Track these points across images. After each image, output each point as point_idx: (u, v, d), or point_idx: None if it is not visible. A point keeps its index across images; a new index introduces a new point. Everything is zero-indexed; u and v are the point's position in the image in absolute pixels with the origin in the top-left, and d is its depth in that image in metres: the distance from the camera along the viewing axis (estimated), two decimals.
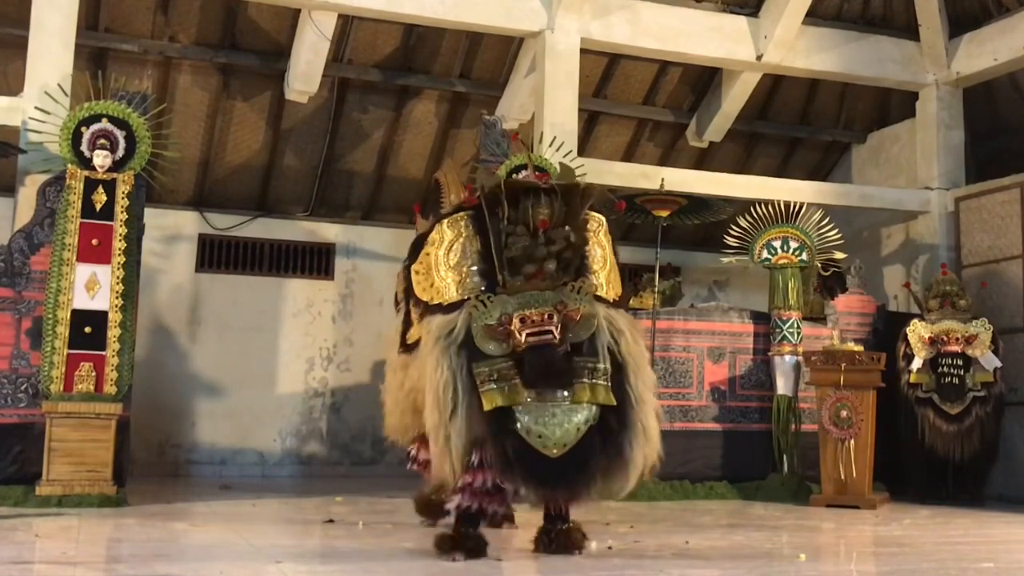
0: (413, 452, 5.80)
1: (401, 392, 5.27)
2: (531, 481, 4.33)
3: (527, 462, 4.30)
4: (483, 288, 4.50)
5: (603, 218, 4.81)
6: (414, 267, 4.76)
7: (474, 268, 4.55)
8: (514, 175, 7.73)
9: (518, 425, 4.32)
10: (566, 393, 4.35)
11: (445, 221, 4.70)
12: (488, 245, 4.53)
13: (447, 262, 4.61)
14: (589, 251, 4.66)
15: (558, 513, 4.67)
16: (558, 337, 4.35)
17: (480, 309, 4.43)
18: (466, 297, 4.48)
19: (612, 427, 4.38)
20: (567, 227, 4.55)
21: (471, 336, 4.39)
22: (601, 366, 4.40)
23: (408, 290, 4.95)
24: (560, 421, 4.34)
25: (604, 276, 4.66)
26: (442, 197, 6.19)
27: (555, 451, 4.31)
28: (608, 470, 4.40)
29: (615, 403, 4.37)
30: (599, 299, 4.53)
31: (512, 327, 4.36)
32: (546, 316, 4.36)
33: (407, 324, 5.22)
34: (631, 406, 4.43)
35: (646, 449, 4.44)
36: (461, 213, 4.68)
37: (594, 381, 4.39)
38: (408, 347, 5.15)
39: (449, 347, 4.40)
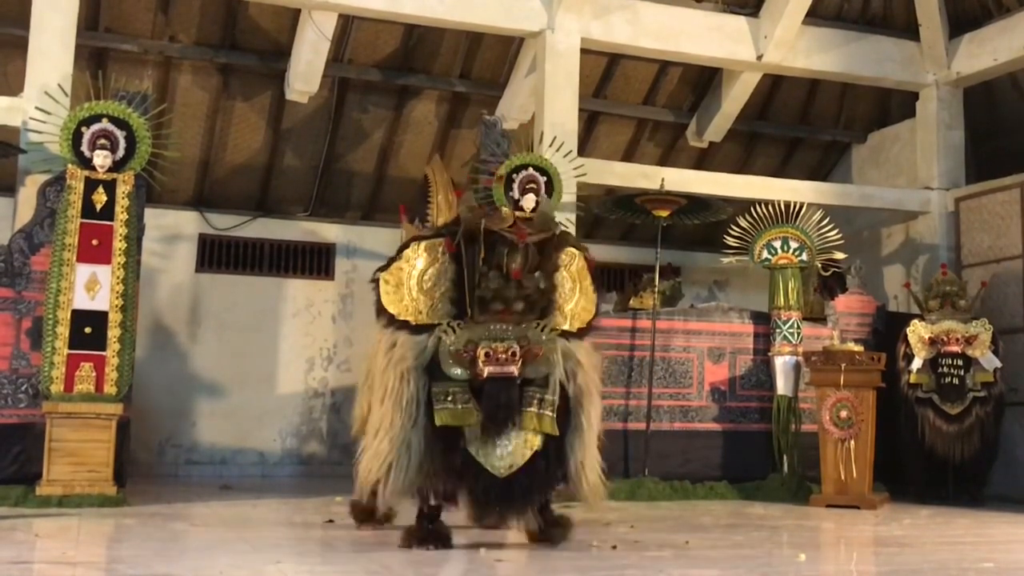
0: None
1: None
2: (477, 496, 4.67)
3: (475, 479, 4.66)
4: (453, 314, 4.80)
5: (577, 252, 5.09)
6: (384, 275, 4.94)
7: (446, 296, 4.84)
8: (513, 175, 7.76)
9: (467, 444, 4.66)
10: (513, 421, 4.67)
11: (423, 243, 4.93)
12: (462, 275, 4.83)
13: (420, 285, 4.88)
14: (559, 285, 4.96)
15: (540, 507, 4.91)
16: (517, 373, 4.66)
17: (449, 335, 4.73)
18: (436, 322, 4.78)
19: (552, 455, 4.75)
20: (538, 273, 4.86)
21: (437, 358, 4.72)
22: (549, 398, 4.73)
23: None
24: (507, 443, 4.69)
25: (571, 308, 4.98)
26: (430, 193, 6.28)
27: (502, 471, 4.64)
28: (549, 491, 4.87)
29: (558, 434, 4.72)
30: (564, 333, 4.87)
31: (477, 356, 4.66)
32: (509, 353, 4.67)
33: None
34: (579, 435, 4.82)
35: (586, 472, 4.83)
36: (440, 240, 4.91)
37: (542, 411, 4.71)
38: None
39: (419, 367, 4.71)
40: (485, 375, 4.66)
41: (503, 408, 4.65)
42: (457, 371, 4.71)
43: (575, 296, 5.04)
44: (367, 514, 5.59)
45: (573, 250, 5.12)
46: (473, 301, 4.81)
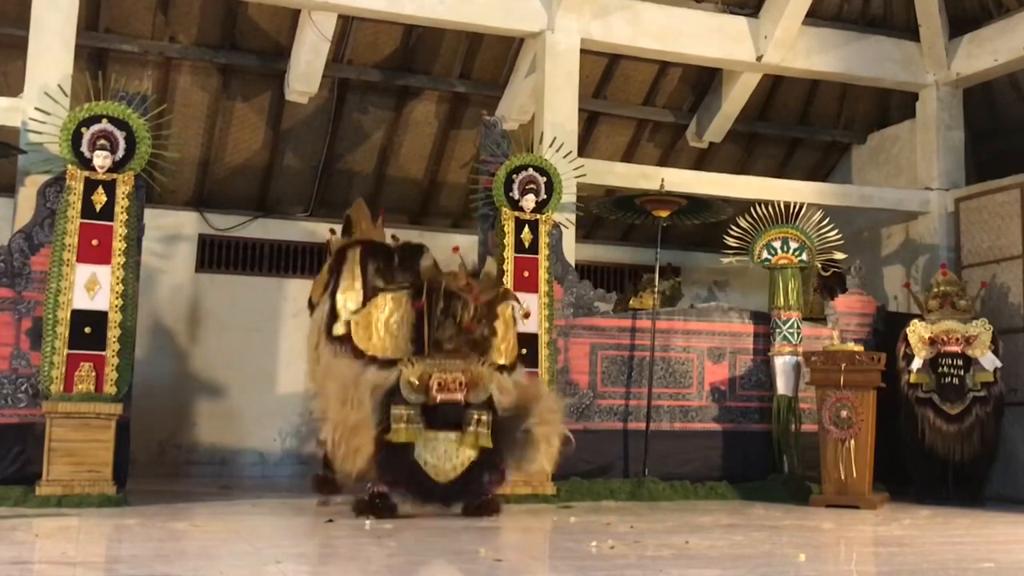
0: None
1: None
2: (420, 498, 6.10)
3: (419, 484, 6.06)
4: (412, 351, 6.19)
5: (512, 303, 6.68)
6: (354, 319, 6.33)
7: (407, 337, 6.22)
8: (513, 176, 7.76)
9: (416, 456, 6.06)
10: (452, 436, 6.11)
11: (391, 295, 6.32)
12: (422, 321, 6.20)
13: (388, 328, 6.24)
14: (497, 331, 6.41)
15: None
16: (463, 399, 6.12)
17: (408, 368, 6.13)
18: (398, 357, 6.16)
19: (486, 463, 6.17)
20: (484, 322, 6.27)
21: (398, 386, 6.08)
22: (485, 417, 6.16)
23: (332, 287, 6.67)
24: (450, 456, 6.10)
25: (503, 348, 6.46)
26: (352, 229, 7.30)
27: (442, 480, 6.07)
28: (482, 490, 6.21)
29: (491, 446, 6.14)
30: (500, 367, 6.36)
31: (431, 384, 6.08)
32: (457, 383, 6.12)
33: (333, 317, 6.57)
34: (510, 445, 6.20)
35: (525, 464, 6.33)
36: (404, 293, 6.30)
37: (478, 429, 6.13)
38: (335, 338, 6.50)
39: (381, 394, 6.05)
40: (438, 400, 6.07)
41: (451, 421, 6.09)
42: (413, 397, 6.07)
43: (508, 338, 6.50)
44: (328, 485, 6.90)
45: (510, 302, 6.64)
46: (430, 342, 6.17)
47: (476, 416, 6.14)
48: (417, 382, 6.08)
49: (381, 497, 6.06)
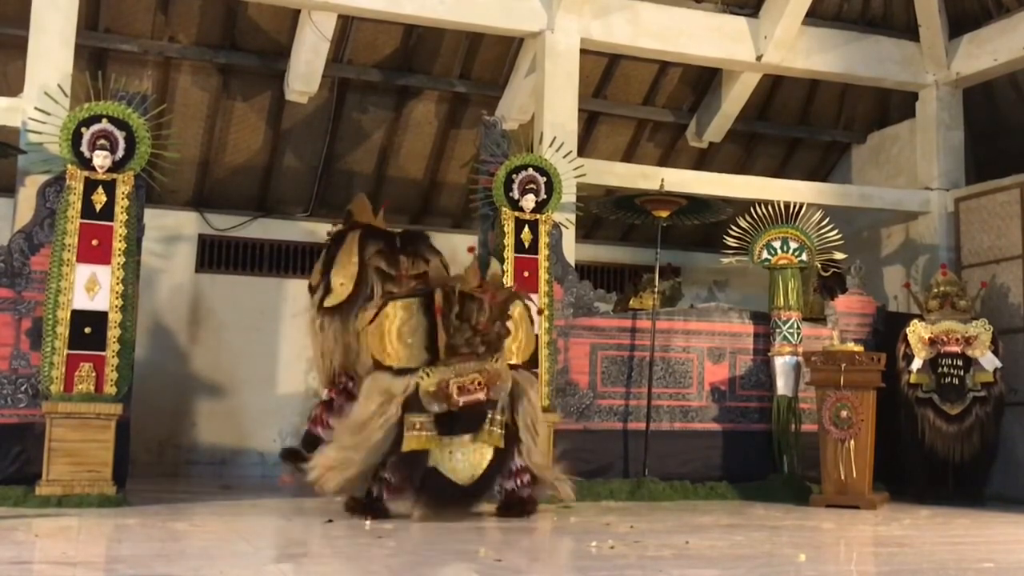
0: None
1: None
2: (441, 503, 5.96)
3: (437, 488, 5.98)
4: (426, 359, 6.12)
5: (521, 303, 6.64)
6: (368, 327, 6.34)
7: (421, 344, 6.14)
8: (513, 176, 7.77)
9: (433, 462, 6.00)
10: (466, 438, 6.07)
11: (400, 303, 6.24)
12: (434, 326, 6.10)
13: (400, 337, 6.14)
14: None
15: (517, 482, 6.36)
16: (486, 398, 6.09)
17: (426, 378, 6.06)
18: (414, 366, 6.09)
19: (498, 464, 6.16)
20: (498, 323, 6.24)
21: (417, 395, 6.02)
22: (499, 417, 6.17)
23: (325, 272, 7.36)
24: (467, 458, 6.08)
25: (516, 347, 6.49)
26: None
27: (463, 481, 6.03)
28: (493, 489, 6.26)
29: (503, 447, 6.16)
30: (512, 365, 6.37)
31: (450, 391, 6.00)
32: (476, 383, 6.07)
33: (327, 291, 7.32)
34: (523, 445, 6.31)
35: (540, 469, 6.45)
36: (414, 300, 6.22)
37: (492, 428, 6.13)
38: (326, 310, 7.23)
39: (395, 400, 6.02)
40: (461, 404, 6.01)
41: (477, 422, 6.06)
42: (435, 407, 6.00)
43: (519, 336, 6.50)
44: (301, 459, 6.94)
45: (520, 303, 6.61)
46: (445, 347, 6.08)
47: (490, 415, 6.12)
48: (435, 390, 6.02)
49: (380, 499, 6.05)
